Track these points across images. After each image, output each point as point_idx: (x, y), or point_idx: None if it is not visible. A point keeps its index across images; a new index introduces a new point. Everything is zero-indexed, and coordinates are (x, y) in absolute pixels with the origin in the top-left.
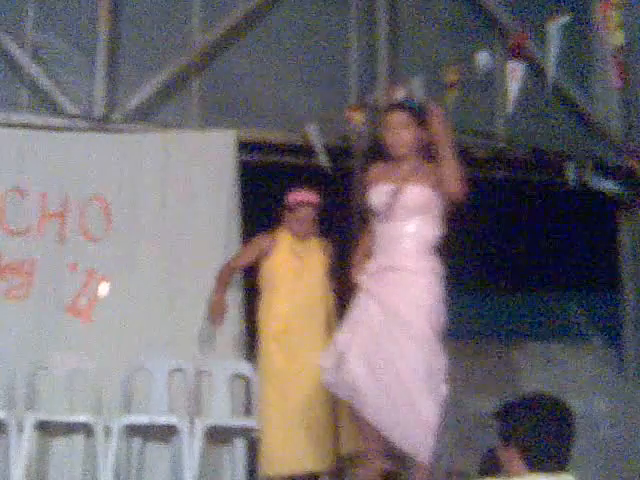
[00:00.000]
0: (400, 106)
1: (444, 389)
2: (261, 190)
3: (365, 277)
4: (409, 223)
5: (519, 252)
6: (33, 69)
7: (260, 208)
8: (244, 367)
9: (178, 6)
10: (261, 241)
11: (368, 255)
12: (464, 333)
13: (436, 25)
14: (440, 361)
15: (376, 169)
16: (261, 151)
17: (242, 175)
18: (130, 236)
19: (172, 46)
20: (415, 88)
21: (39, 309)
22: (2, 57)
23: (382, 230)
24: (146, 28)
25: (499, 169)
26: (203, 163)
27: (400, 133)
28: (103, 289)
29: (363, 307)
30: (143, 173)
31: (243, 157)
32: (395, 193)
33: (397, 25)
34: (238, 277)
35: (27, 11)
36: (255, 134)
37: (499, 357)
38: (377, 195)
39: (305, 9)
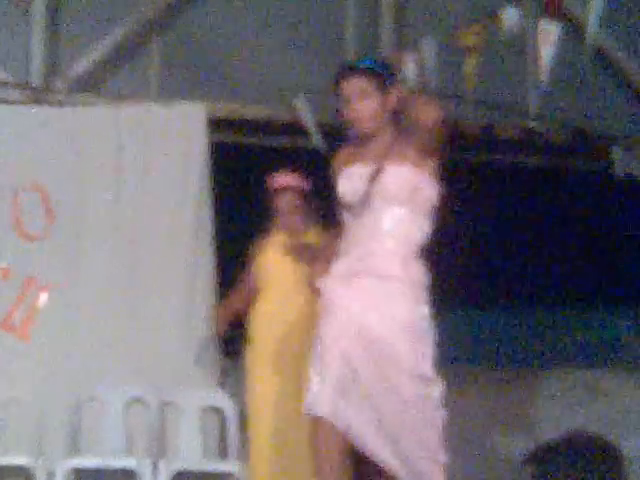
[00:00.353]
0: (356, 70)
1: (440, 416)
2: (238, 177)
3: (330, 282)
4: (390, 215)
5: (555, 257)
6: None
7: (236, 199)
8: (219, 398)
9: None
10: (256, 247)
11: (334, 256)
12: (488, 358)
13: None
14: (435, 389)
15: (344, 151)
16: (237, 129)
17: (214, 158)
18: (77, 234)
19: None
20: (426, 53)
21: None
22: None
23: (355, 225)
24: None
25: (531, 153)
26: (166, 143)
27: (361, 104)
28: (43, 300)
29: (332, 322)
30: (92, 156)
31: (215, 136)
32: (373, 176)
33: None
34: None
35: None
36: (230, 108)
37: (532, 387)
38: (348, 181)
39: None
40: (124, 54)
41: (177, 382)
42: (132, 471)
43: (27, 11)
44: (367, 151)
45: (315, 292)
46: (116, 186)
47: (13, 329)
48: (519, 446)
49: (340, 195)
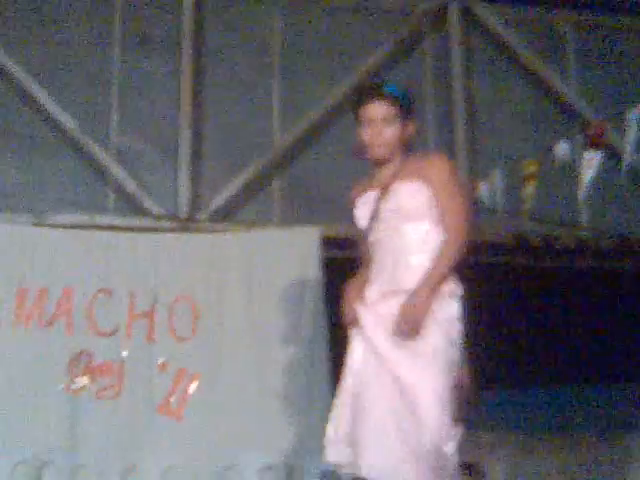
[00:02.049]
0: (383, 94)
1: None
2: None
3: (363, 308)
4: (410, 231)
5: (612, 343)
6: (118, 171)
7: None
8: None
9: (258, 107)
10: None
11: (363, 285)
12: (556, 426)
13: (515, 118)
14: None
15: (360, 185)
16: (347, 247)
17: (328, 271)
18: (217, 334)
19: (253, 146)
20: (495, 181)
21: (130, 409)
22: (88, 161)
23: (376, 248)
24: (227, 129)
25: (582, 258)
26: (287, 260)
27: (383, 130)
28: (193, 387)
29: (358, 350)
30: (228, 271)
31: (328, 253)
32: (381, 196)
33: (475, 118)
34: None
35: (111, 116)
36: (338, 230)
37: (593, 450)
38: (362, 206)
39: None
40: (252, 189)
41: (301, 451)
42: None
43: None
44: (378, 177)
45: (349, 323)
46: (248, 295)
47: (169, 412)
48: None
49: (356, 221)
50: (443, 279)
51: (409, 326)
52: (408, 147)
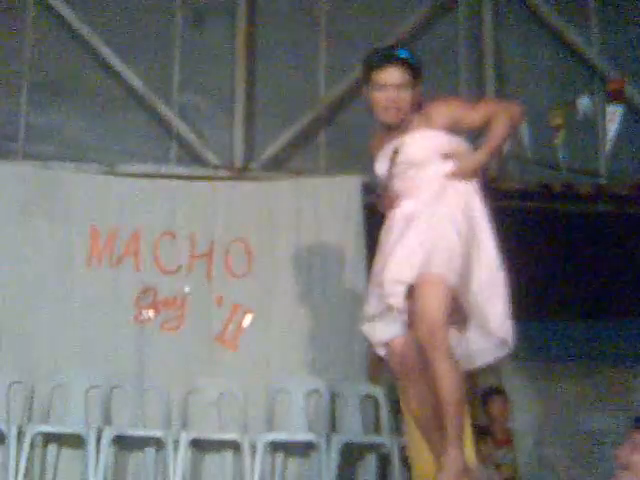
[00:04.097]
0: (396, 59)
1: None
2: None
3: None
4: (424, 176)
5: (627, 281)
6: (180, 126)
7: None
8: (374, 389)
9: (305, 65)
10: None
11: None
12: (576, 356)
13: (541, 74)
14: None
15: (378, 137)
16: None
17: (369, 214)
18: (269, 272)
19: (301, 102)
20: (522, 132)
21: (191, 339)
22: (153, 116)
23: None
24: (277, 86)
25: (601, 203)
26: (332, 205)
27: (397, 95)
28: (247, 320)
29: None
30: (279, 215)
31: (368, 198)
32: (393, 154)
33: (505, 75)
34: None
35: (173, 75)
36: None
37: (610, 378)
38: (380, 164)
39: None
40: (300, 141)
41: (343, 378)
42: (312, 443)
43: (231, 112)
44: (394, 134)
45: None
46: (296, 238)
47: (226, 342)
48: (599, 423)
49: (377, 177)
50: (502, 141)
51: (463, 169)
52: (417, 108)
